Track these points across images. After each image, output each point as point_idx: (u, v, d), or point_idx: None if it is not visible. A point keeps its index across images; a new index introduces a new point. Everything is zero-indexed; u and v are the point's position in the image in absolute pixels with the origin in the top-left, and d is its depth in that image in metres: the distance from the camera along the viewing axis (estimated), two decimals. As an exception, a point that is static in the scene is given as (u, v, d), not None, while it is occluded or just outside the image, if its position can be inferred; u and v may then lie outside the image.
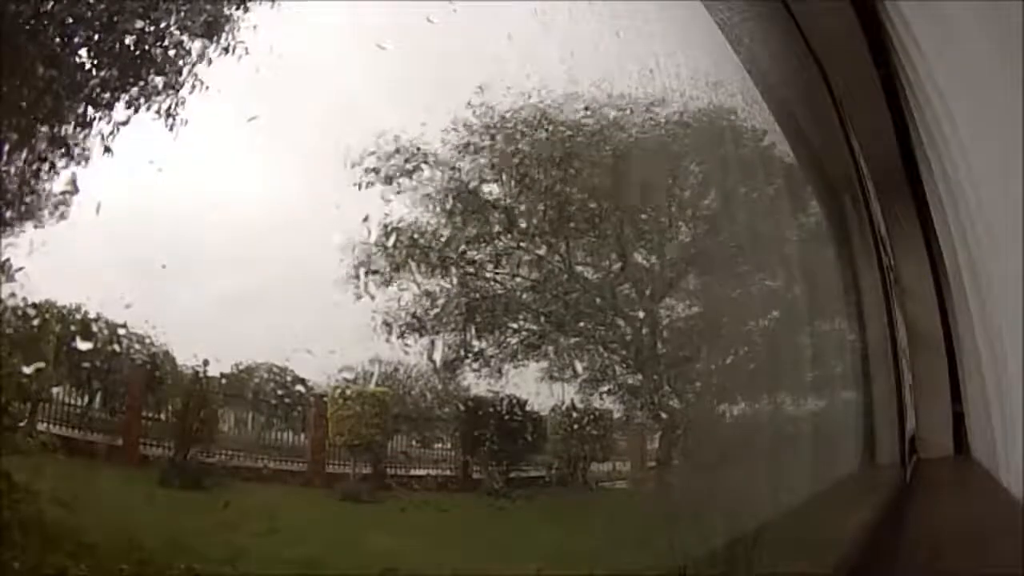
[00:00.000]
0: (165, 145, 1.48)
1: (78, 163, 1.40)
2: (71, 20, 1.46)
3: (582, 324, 2.79)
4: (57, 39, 1.43)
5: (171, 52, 1.54)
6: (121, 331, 1.48)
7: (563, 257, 2.67)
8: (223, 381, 1.73)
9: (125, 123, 1.48)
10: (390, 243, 2.02)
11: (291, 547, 1.59)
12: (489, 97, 2.31)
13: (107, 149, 1.43)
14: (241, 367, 1.79)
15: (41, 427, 1.43)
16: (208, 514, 1.57)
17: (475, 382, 2.24)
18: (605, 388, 2.63)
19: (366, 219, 1.91)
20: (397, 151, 2.09)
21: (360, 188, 1.97)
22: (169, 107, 1.50)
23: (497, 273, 2.46)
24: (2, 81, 1.35)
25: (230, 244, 1.64)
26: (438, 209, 2.25)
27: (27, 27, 1.39)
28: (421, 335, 2.12)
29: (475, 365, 2.27)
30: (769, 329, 3.95)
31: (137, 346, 1.52)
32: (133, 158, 1.46)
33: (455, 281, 2.31)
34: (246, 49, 1.59)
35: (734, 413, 3.57)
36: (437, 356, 2.16)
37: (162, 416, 1.65)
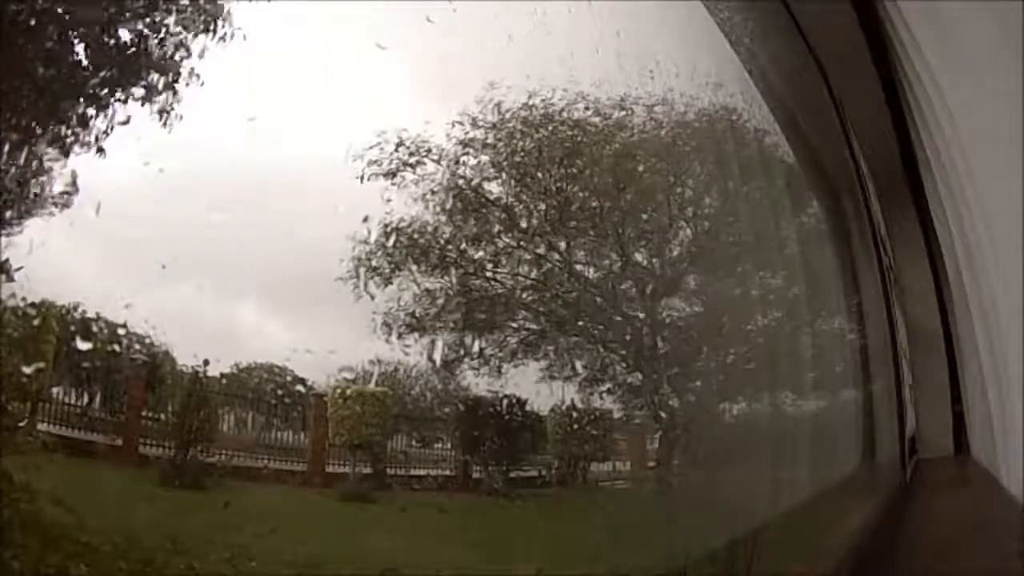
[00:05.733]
0: (164, 145, 1.48)
1: (78, 163, 1.40)
2: (70, 20, 1.46)
3: (582, 323, 2.79)
4: (56, 39, 1.42)
5: (170, 52, 1.54)
6: (121, 331, 1.48)
7: (563, 256, 2.67)
8: (223, 381, 1.74)
9: (124, 123, 1.48)
10: (390, 243, 2.02)
11: (291, 547, 1.59)
12: (490, 96, 2.31)
13: (104, 149, 1.43)
14: (241, 367, 1.80)
15: (41, 427, 1.43)
16: (208, 514, 1.57)
17: (475, 382, 2.25)
18: (605, 387, 2.63)
19: (366, 219, 1.91)
20: (401, 144, 2.10)
21: (363, 181, 1.97)
22: (168, 107, 1.50)
23: (497, 272, 2.46)
24: (2, 81, 1.35)
25: (230, 244, 1.64)
26: (438, 208, 2.25)
27: (27, 27, 1.39)
28: (421, 335, 2.12)
29: (475, 365, 2.27)
30: (769, 329, 3.95)
31: (137, 346, 1.52)
32: (132, 158, 1.46)
33: (455, 280, 2.31)
34: (246, 48, 1.59)
35: (734, 413, 3.57)
36: (437, 356, 2.17)
37: (162, 416, 1.65)
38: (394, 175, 2.08)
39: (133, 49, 1.52)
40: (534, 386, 2.41)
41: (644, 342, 2.91)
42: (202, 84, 1.56)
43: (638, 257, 3.06)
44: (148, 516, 1.45)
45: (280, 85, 1.67)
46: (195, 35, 1.56)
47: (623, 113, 2.83)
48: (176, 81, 1.53)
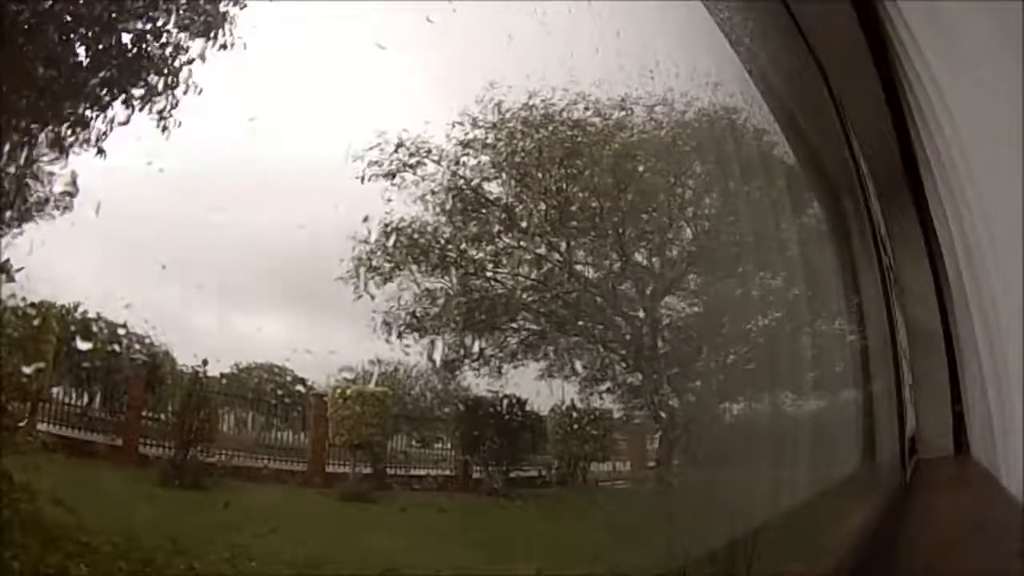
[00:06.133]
0: (164, 145, 1.48)
1: (78, 163, 1.40)
2: (70, 20, 1.46)
3: (582, 323, 2.79)
4: (57, 39, 1.42)
5: (170, 52, 1.54)
6: (121, 331, 1.48)
7: (563, 256, 2.67)
8: (223, 381, 1.74)
9: (124, 123, 1.48)
10: (390, 243, 2.02)
11: (291, 547, 1.59)
12: (490, 96, 2.31)
13: (105, 150, 1.43)
14: (241, 367, 1.80)
15: (41, 427, 1.43)
16: (208, 514, 1.57)
17: (475, 382, 2.25)
18: (605, 387, 2.63)
19: (366, 219, 1.91)
20: (401, 145, 2.10)
21: (363, 181, 1.97)
22: (168, 107, 1.50)
23: (497, 272, 2.46)
24: (2, 81, 1.35)
25: (230, 244, 1.64)
26: (438, 208, 2.25)
27: (27, 27, 1.39)
28: (421, 335, 2.12)
29: (475, 365, 2.27)
30: (770, 329, 3.95)
31: (137, 346, 1.52)
32: (132, 158, 1.46)
33: (455, 280, 2.31)
34: (245, 47, 1.59)
35: (734, 413, 3.57)
36: (437, 356, 2.17)
37: (162, 416, 1.65)
38: (394, 175, 2.08)
39: (133, 50, 1.52)
40: (534, 386, 2.41)
41: (644, 342, 2.91)
42: (202, 85, 1.56)
43: (638, 257, 3.06)
44: (148, 516, 1.45)
45: (280, 85, 1.67)
46: (195, 36, 1.56)
47: (623, 113, 2.83)
48: (176, 82, 1.53)
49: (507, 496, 2.21)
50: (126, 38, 1.52)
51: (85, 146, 1.43)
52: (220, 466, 1.69)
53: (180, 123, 1.50)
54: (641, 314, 2.98)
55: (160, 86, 1.52)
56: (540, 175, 2.60)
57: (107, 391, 1.58)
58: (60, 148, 1.41)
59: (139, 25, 1.53)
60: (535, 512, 2.27)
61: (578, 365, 2.58)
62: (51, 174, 1.37)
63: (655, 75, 2.90)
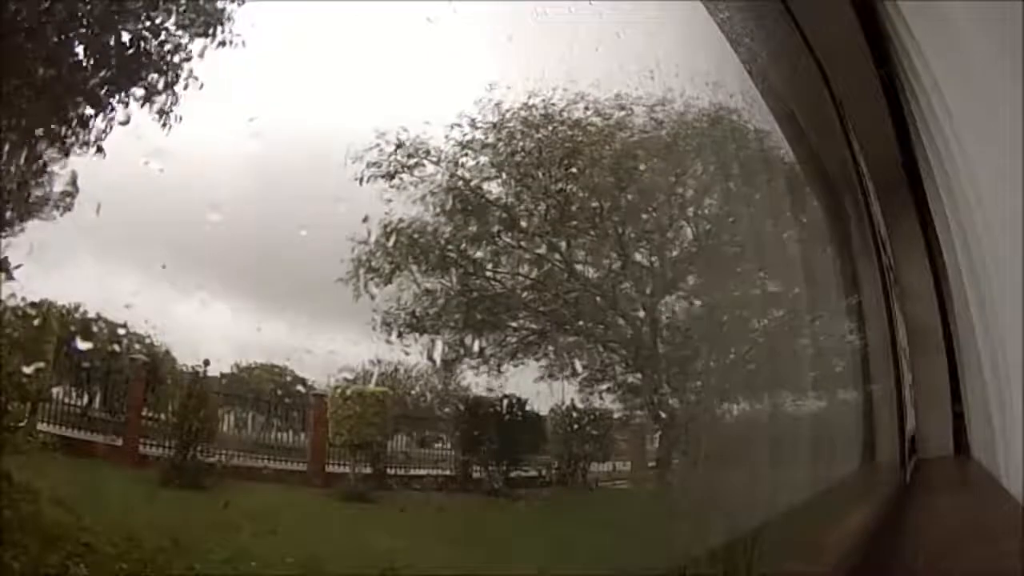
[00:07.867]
0: (164, 145, 1.48)
1: (77, 163, 1.40)
2: (70, 20, 1.46)
3: (582, 323, 2.79)
4: (56, 39, 1.43)
5: (170, 52, 1.54)
6: (121, 331, 1.48)
7: (563, 256, 2.67)
8: (223, 381, 1.74)
9: (124, 123, 1.48)
10: (390, 243, 2.02)
11: (291, 547, 1.59)
12: (489, 97, 2.31)
13: (105, 150, 1.43)
14: (241, 367, 1.80)
15: (41, 427, 1.43)
16: (208, 514, 1.57)
17: (475, 382, 2.25)
18: (605, 387, 2.64)
19: (366, 220, 1.92)
20: (400, 146, 2.10)
21: (361, 183, 1.98)
22: (168, 107, 1.50)
23: (497, 272, 2.46)
24: (2, 81, 1.35)
25: (230, 244, 1.64)
26: (438, 209, 2.25)
27: (27, 27, 1.39)
28: (421, 334, 2.12)
29: (475, 364, 2.27)
30: (769, 329, 3.95)
31: (137, 346, 1.52)
32: (132, 158, 1.46)
33: (455, 280, 2.31)
34: (245, 48, 1.59)
35: (734, 413, 3.57)
36: (437, 355, 2.17)
37: (162, 416, 1.65)
38: (393, 176, 2.08)
39: (133, 49, 1.52)
40: (534, 386, 2.41)
41: (644, 342, 2.91)
42: (201, 85, 1.56)
43: (638, 257, 3.06)
44: (148, 516, 1.45)
45: (280, 86, 1.67)
46: (194, 36, 1.57)
47: (623, 113, 2.83)
48: (176, 81, 1.54)
49: (507, 496, 2.21)
50: (126, 37, 1.52)
51: (85, 146, 1.43)
52: (220, 466, 1.69)
53: (180, 123, 1.50)
54: (641, 314, 2.98)
55: (160, 85, 1.52)
56: (540, 175, 2.60)
57: (107, 391, 1.58)
58: (60, 148, 1.41)
59: (139, 24, 1.53)
60: (535, 512, 2.27)
61: (578, 365, 2.58)
62: (51, 174, 1.37)
63: (655, 75, 2.89)
